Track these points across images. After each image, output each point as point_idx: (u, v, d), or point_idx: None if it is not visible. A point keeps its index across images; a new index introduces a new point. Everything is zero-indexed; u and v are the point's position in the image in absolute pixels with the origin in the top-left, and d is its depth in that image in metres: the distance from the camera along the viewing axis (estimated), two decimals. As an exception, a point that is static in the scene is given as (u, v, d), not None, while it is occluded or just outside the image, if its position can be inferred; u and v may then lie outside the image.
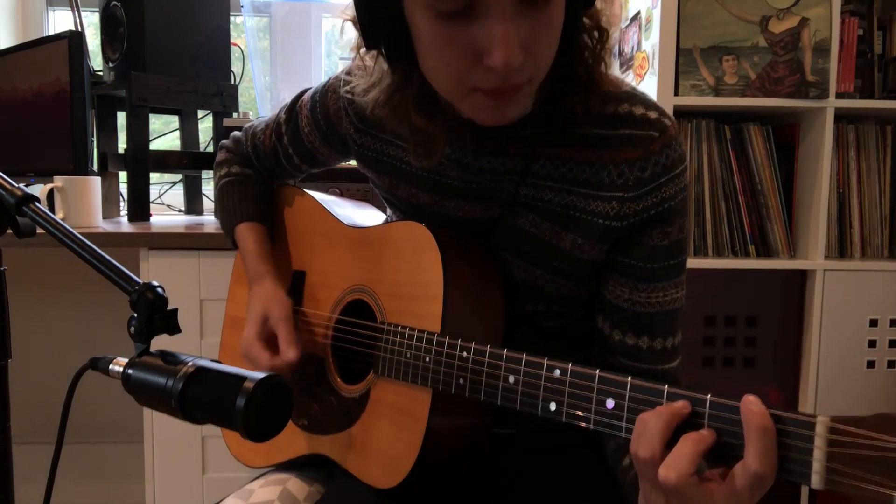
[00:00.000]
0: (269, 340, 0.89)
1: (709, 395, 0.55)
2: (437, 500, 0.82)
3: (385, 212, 1.02)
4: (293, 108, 0.97)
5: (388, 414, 0.79)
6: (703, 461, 0.54)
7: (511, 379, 0.66)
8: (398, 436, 0.76)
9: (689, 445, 0.53)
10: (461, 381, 0.70)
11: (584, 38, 0.72)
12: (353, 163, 0.96)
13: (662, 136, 0.73)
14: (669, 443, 0.54)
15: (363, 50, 0.74)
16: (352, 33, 0.72)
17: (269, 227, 1.01)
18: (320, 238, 0.97)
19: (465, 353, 0.70)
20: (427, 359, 0.74)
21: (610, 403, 0.59)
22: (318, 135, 0.94)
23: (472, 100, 0.67)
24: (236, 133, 1.07)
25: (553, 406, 0.63)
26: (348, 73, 0.84)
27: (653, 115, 0.74)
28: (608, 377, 0.60)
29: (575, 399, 0.62)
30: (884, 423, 0.47)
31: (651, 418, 0.55)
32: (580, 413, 0.61)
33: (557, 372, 0.63)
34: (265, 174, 1.05)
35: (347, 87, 0.83)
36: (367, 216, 1.00)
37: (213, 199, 1.85)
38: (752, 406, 0.51)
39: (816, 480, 0.49)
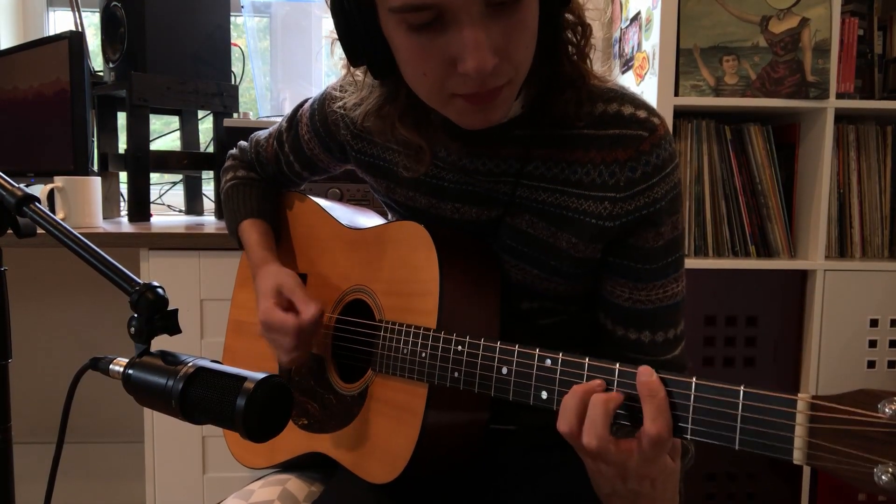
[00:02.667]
0: (287, 309, 0.88)
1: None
2: (437, 497, 0.82)
3: (386, 217, 1.02)
4: (294, 117, 0.99)
5: (385, 410, 0.80)
6: (627, 428, 0.59)
7: (504, 370, 0.68)
8: (396, 430, 0.77)
9: (599, 407, 0.59)
10: (456, 374, 0.72)
11: (566, 34, 0.73)
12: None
13: (652, 135, 0.73)
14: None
15: (352, 67, 0.76)
16: (342, 52, 0.73)
17: (272, 225, 1.02)
18: (321, 241, 0.97)
19: (459, 347, 0.72)
20: (423, 354, 0.75)
21: None
22: (318, 142, 0.95)
23: (454, 106, 0.68)
24: (242, 142, 1.10)
25: (545, 394, 0.65)
26: (340, 88, 0.86)
27: (642, 114, 0.74)
28: (597, 364, 0.62)
29: (565, 387, 0.63)
30: (863, 398, 0.48)
31: (568, 398, 0.61)
32: None
33: (549, 361, 0.65)
34: (269, 181, 1.06)
35: (339, 104, 0.84)
36: (368, 220, 1.00)
37: (213, 199, 1.86)
38: (641, 376, 0.58)
39: (799, 456, 0.50)
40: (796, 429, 0.50)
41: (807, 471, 1.50)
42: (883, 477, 0.45)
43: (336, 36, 0.72)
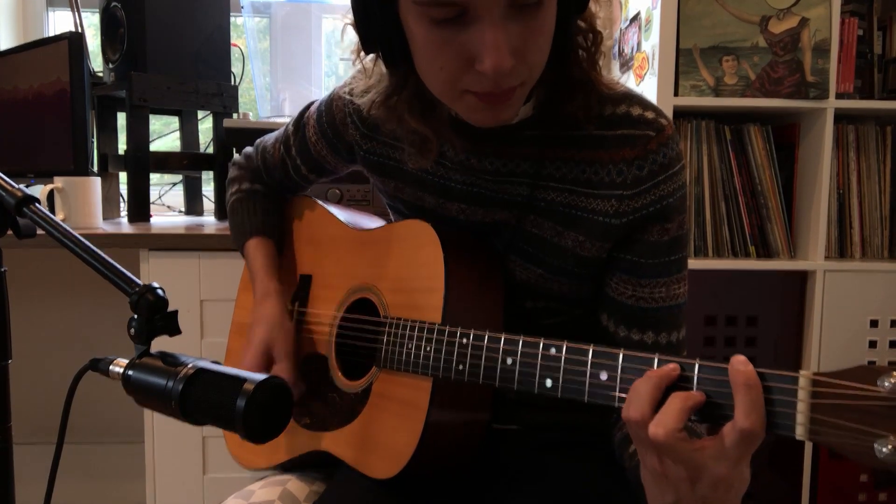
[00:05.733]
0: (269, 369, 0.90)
1: (697, 360, 0.57)
2: (438, 496, 0.82)
3: (388, 220, 1.02)
4: (300, 120, 0.99)
5: (389, 406, 0.80)
6: (700, 427, 0.56)
7: (509, 361, 0.68)
8: (399, 425, 0.77)
9: (676, 402, 0.55)
10: (461, 366, 0.72)
11: (578, 40, 0.73)
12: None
13: (659, 135, 0.74)
14: (661, 406, 0.56)
15: (363, 53, 0.75)
16: (353, 37, 0.73)
17: (277, 240, 1.03)
18: (326, 241, 0.98)
19: (464, 340, 0.72)
20: (428, 348, 0.75)
21: (603, 375, 0.61)
22: (325, 143, 0.95)
23: (464, 102, 0.69)
24: (248, 149, 1.10)
25: (549, 382, 0.65)
26: (351, 77, 0.86)
27: (650, 115, 0.75)
28: (602, 350, 0.62)
29: (570, 374, 0.63)
30: (864, 373, 0.48)
31: (640, 382, 0.57)
32: (575, 387, 0.63)
33: (553, 350, 0.65)
34: (275, 187, 1.06)
35: (347, 89, 0.85)
36: (372, 222, 1.01)
37: (213, 200, 1.86)
38: (738, 366, 0.53)
39: (801, 432, 0.50)
40: (798, 405, 0.50)
41: (807, 471, 1.50)
42: (883, 450, 0.46)
43: (349, 21, 0.72)
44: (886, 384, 0.47)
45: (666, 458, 0.55)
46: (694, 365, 0.56)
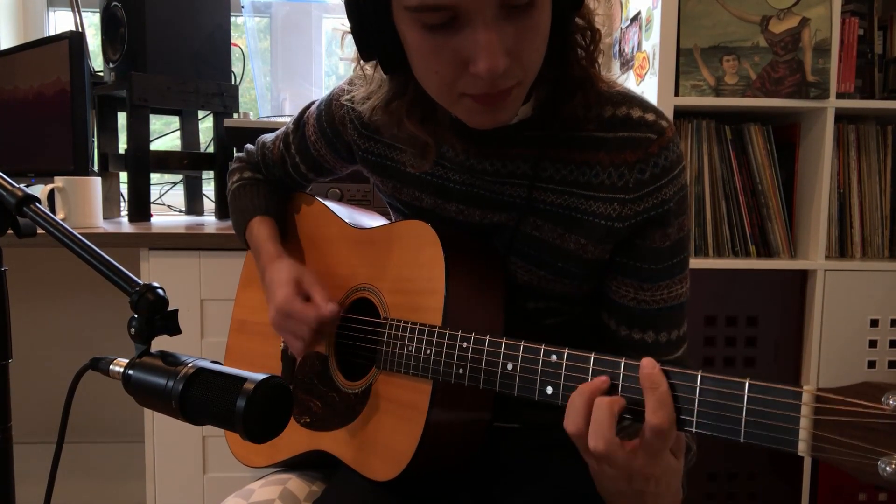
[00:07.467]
0: (306, 301, 0.87)
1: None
2: (438, 496, 0.82)
3: (389, 218, 1.02)
4: (300, 118, 1.00)
5: (389, 407, 0.80)
6: (634, 424, 0.59)
7: (509, 366, 0.68)
8: (399, 427, 0.77)
9: (604, 409, 0.59)
10: (461, 370, 0.72)
11: (576, 38, 0.73)
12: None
13: (660, 138, 0.74)
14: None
15: (362, 61, 0.76)
16: (352, 44, 0.74)
17: (280, 223, 1.02)
18: (327, 240, 0.98)
19: (465, 344, 0.72)
20: (428, 351, 0.75)
21: None
22: (324, 142, 0.96)
23: (462, 105, 0.69)
24: (249, 146, 1.10)
25: (550, 390, 0.65)
26: (350, 82, 0.87)
27: (650, 117, 0.75)
28: (603, 358, 0.62)
29: (571, 381, 0.63)
30: (867, 390, 0.48)
31: (575, 396, 0.61)
32: None
33: (554, 357, 0.65)
34: (275, 183, 1.07)
35: (347, 97, 0.85)
36: (373, 220, 1.01)
37: (213, 199, 1.86)
38: (644, 369, 0.58)
39: (804, 448, 0.50)
40: (801, 421, 0.50)
41: (807, 471, 1.50)
42: (887, 468, 0.46)
43: (347, 29, 0.72)
44: (892, 402, 0.46)
45: (603, 464, 0.61)
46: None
